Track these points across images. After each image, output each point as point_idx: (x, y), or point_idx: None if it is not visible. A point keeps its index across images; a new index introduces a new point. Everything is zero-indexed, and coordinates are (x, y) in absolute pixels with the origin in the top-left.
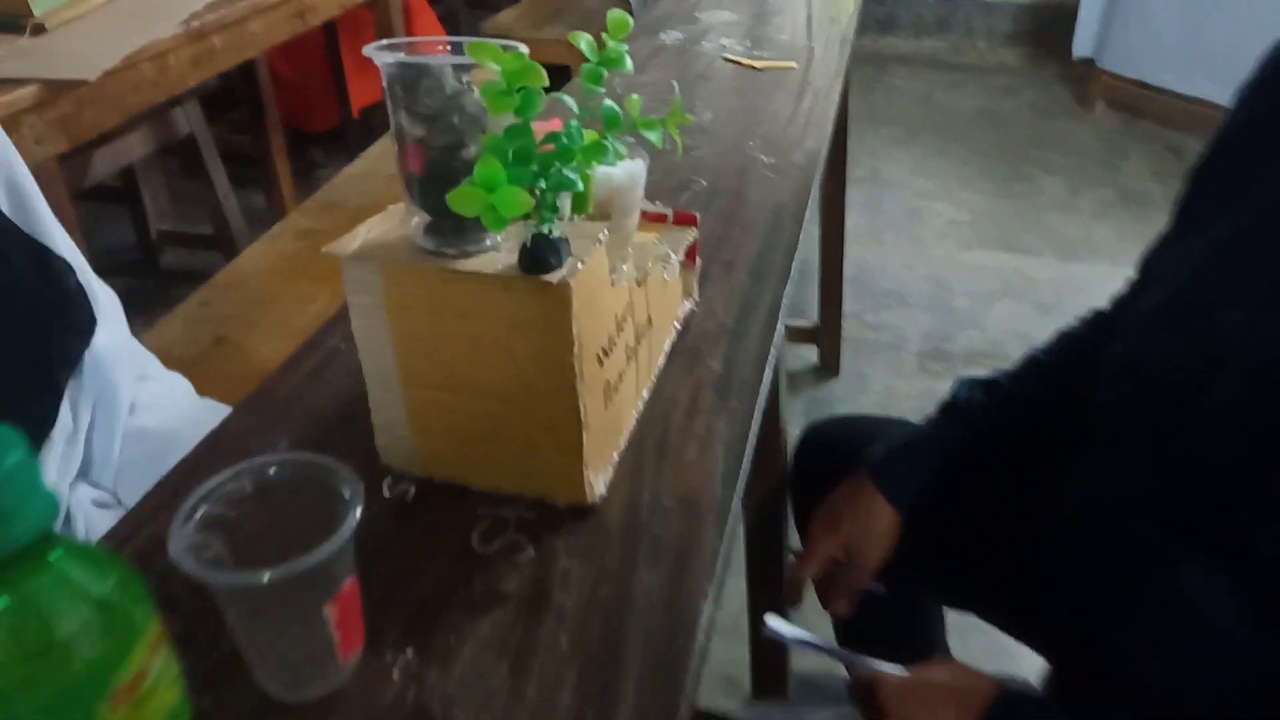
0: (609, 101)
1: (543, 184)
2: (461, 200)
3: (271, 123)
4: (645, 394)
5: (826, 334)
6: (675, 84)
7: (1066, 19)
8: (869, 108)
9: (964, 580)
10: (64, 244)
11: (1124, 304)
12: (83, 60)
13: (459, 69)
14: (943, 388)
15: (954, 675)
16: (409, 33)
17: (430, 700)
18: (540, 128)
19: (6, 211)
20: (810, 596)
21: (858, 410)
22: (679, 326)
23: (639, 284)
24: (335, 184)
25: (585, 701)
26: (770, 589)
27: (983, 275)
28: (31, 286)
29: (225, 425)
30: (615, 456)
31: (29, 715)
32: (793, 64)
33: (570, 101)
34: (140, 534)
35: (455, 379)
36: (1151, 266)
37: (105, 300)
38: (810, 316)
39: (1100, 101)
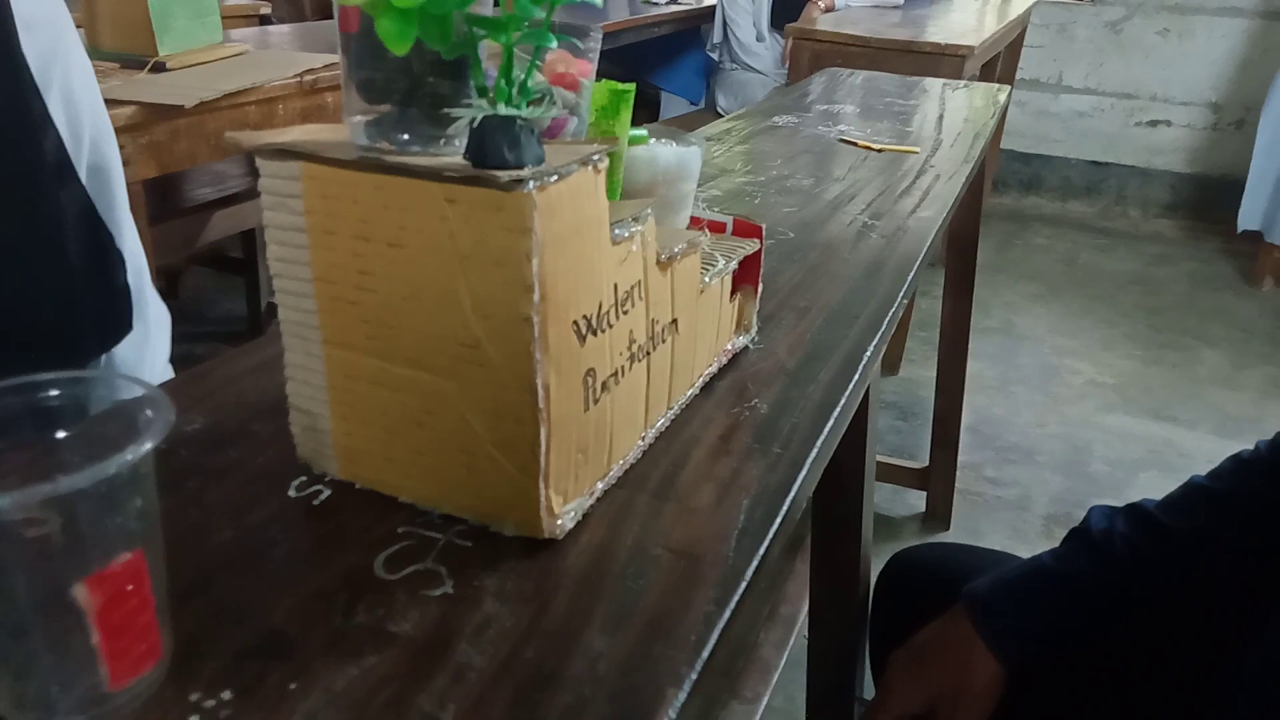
0: None
1: (499, 33)
2: None
3: None
4: (662, 422)
5: (937, 479)
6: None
7: (1229, 192)
8: (1006, 262)
9: None
10: (130, 243)
11: None
12: (184, 91)
13: None
14: None
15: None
16: None
17: None
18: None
19: (86, 188)
20: None
21: None
22: (724, 360)
23: (660, 265)
24: None
25: None
26: None
27: (1127, 442)
28: (82, 270)
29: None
30: (600, 487)
31: None
32: (916, 149)
33: None
34: None
35: (385, 339)
36: None
37: (151, 313)
38: (920, 460)
39: (1269, 278)
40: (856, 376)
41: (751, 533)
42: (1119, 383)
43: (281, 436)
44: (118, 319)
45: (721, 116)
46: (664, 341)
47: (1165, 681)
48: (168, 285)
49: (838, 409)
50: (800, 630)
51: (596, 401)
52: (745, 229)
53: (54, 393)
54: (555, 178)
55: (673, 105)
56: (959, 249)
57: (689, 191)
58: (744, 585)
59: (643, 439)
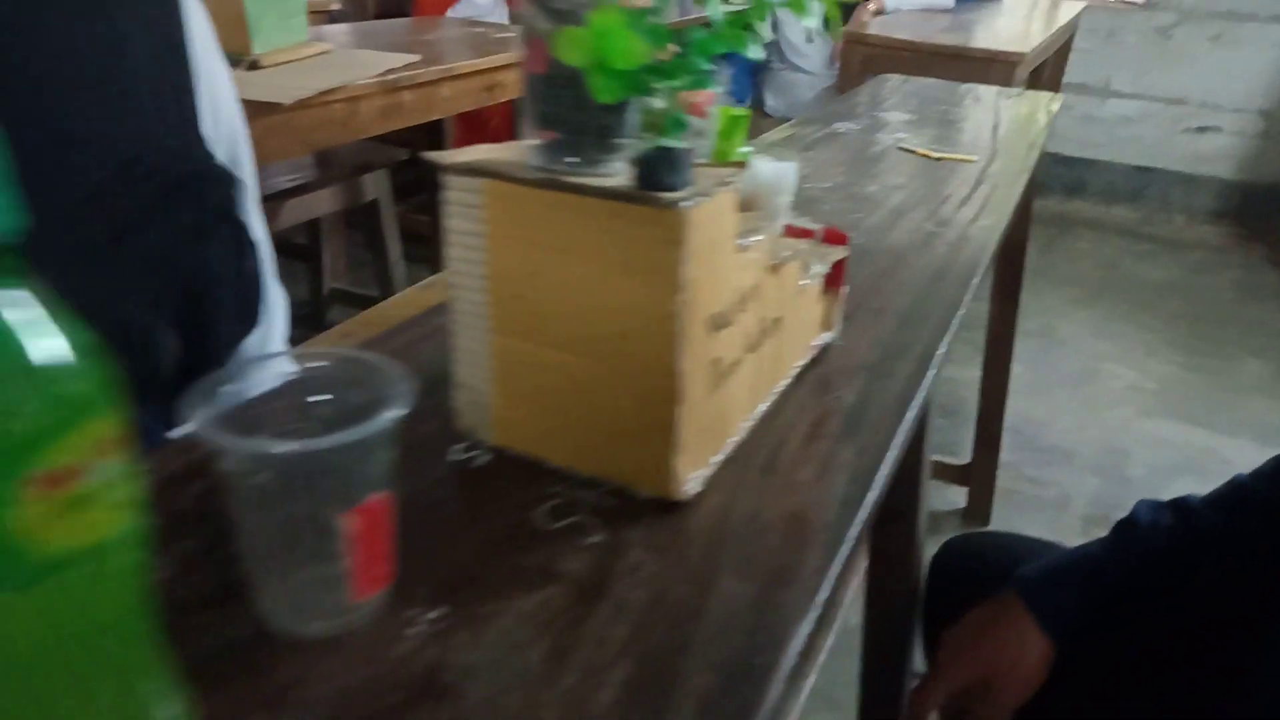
0: None
1: (670, 81)
2: (570, 45)
3: None
4: (763, 407)
5: (978, 477)
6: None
7: (1276, 199)
8: (1047, 265)
9: None
10: (258, 234)
11: None
12: (283, 89)
13: None
14: None
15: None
16: None
17: (449, 665)
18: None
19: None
20: None
21: None
22: (812, 354)
23: (771, 271)
24: None
25: (631, 705)
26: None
27: (1165, 448)
28: (223, 267)
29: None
30: (715, 461)
31: None
32: (973, 157)
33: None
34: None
35: (546, 328)
36: None
37: (271, 298)
38: (962, 457)
39: None
40: (931, 373)
41: (851, 503)
42: (1159, 389)
43: (436, 411)
44: (250, 309)
45: (768, 116)
46: (770, 336)
47: (1197, 666)
48: None
49: (916, 400)
50: (844, 615)
51: (719, 386)
52: (833, 236)
53: (322, 363)
54: (703, 199)
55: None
56: (1008, 254)
57: (785, 203)
58: (849, 544)
59: (749, 420)
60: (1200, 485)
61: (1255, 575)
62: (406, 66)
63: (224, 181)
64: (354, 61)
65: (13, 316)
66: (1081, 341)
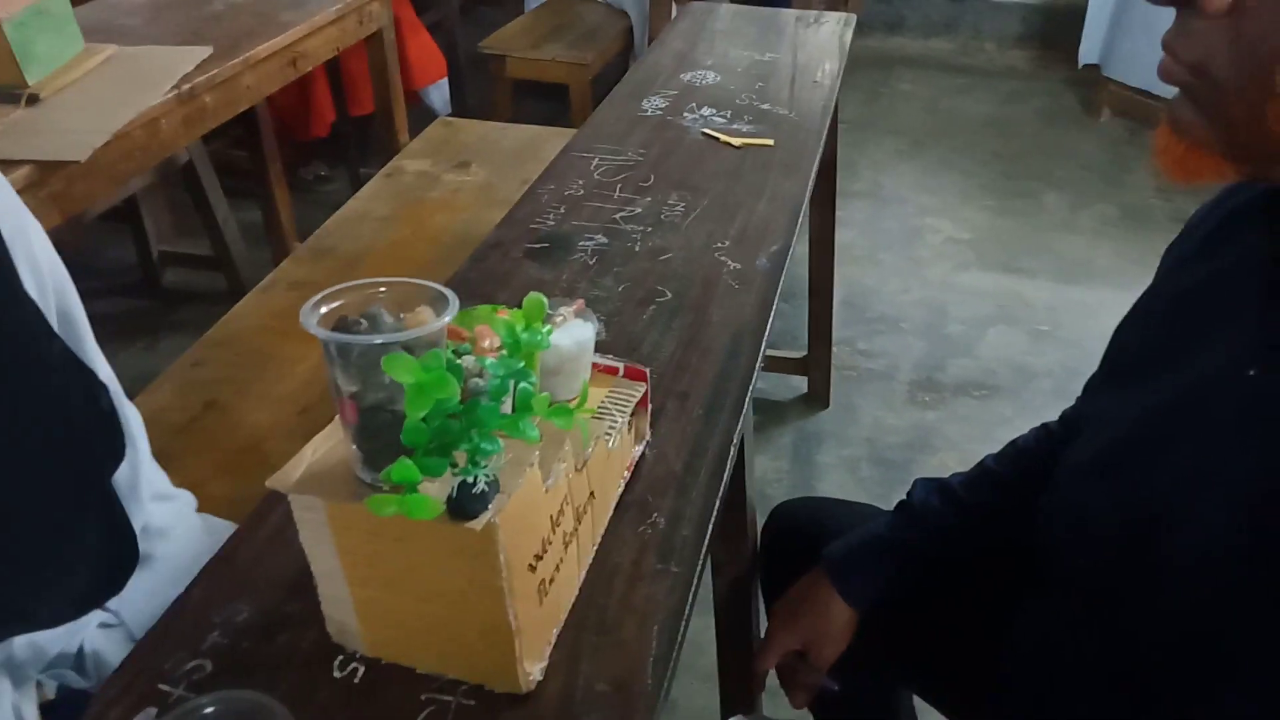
0: (525, 385)
1: (465, 444)
2: (379, 505)
3: (268, 149)
4: (590, 559)
5: (816, 366)
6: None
7: (1076, 22)
8: (874, 115)
9: (922, 678)
10: (103, 371)
11: (1071, 423)
12: (75, 139)
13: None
14: (932, 419)
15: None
16: (402, 55)
17: None
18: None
19: (58, 332)
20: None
21: (847, 444)
22: (628, 475)
23: (578, 469)
24: (328, 228)
25: None
26: (739, 671)
27: (979, 299)
28: (76, 406)
29: (188, 594)
30: (554, 636)
31: None
32: (770, 141)
33: (491, 373)
34: None
35: (397, 584)
36: (1087, 411)
37: (131, 422)
38: (800, 345)
39: (1106, 109)
40: (727, 473)
41: (660, 661)
42: (974, 238)
43: (313, 615)
44: (115, 446)
45: (608, 5)
46: (587, 512)
47: (966, 619)
48: None
49: (715, 510)
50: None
51: (546, 596)
52: (633, 373)
53: (209, 711)
54: (509, 498)
55: None
56: (821, 170)
57: (587, 362)
58: (659, 704)
59: (579, 583)
60: (1008, 333)
61: (1000, 536)
62: (199, 68)
63: (55, 338)
64: (141, 70)
65: None
66: (906, 197)
